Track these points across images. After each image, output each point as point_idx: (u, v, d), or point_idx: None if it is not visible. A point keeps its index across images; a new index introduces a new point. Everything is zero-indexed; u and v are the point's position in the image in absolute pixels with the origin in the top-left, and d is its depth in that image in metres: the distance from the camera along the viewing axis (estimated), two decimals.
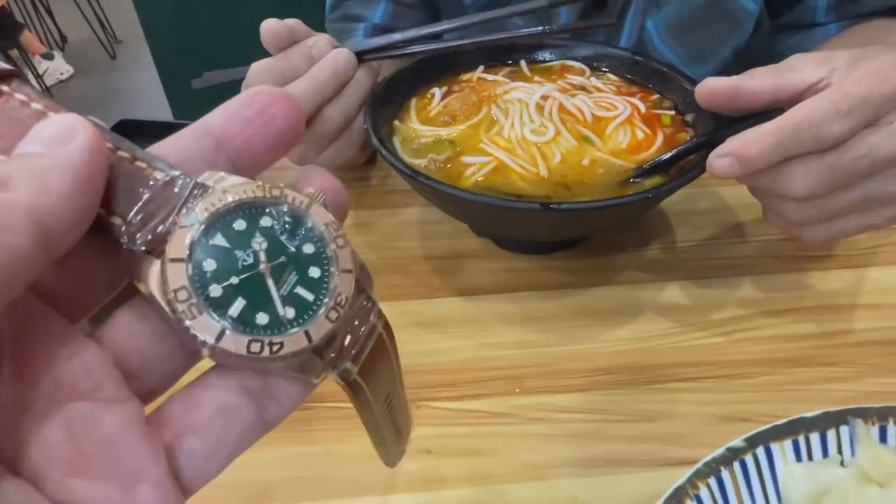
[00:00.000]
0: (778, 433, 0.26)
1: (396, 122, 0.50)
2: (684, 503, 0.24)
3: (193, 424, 0.16)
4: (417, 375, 0.41)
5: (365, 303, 0.18)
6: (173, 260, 0.15)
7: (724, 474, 0.25)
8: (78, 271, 0.16)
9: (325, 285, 0.17)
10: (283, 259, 0.16)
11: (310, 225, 0.17)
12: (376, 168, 0.59)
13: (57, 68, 2.74)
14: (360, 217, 0.54)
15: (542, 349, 0.43)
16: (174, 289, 0.15)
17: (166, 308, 0.15)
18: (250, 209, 0.16)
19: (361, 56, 0.50)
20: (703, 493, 0.24)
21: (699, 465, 0.25)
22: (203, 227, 0.16)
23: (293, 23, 0.50)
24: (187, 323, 0.15)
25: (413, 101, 0.52)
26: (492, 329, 0.44)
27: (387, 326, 0.18)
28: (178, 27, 1.09)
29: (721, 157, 0.36)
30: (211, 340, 0.15)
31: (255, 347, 0.16)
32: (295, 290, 0.16)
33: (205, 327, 0.15)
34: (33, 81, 2.48)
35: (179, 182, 0.16)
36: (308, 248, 0.17)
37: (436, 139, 0.48)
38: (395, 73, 0.52)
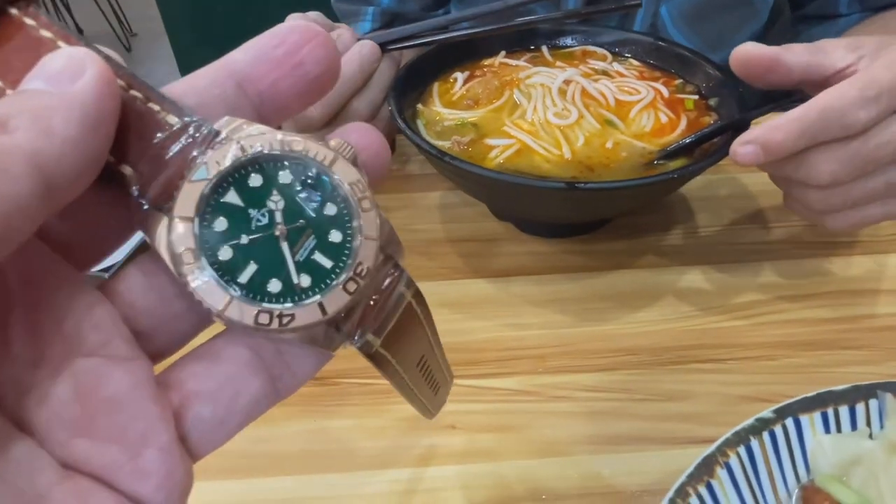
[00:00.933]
0: (807, 405, 0.26)
1: (420, 106, 0.50)
2: (714, 470, 0.24)
3: (202, 391, 0.15)
4: None
5: (392, 271, 0.16)
6: (180, 218, 0.14)
7: (754, 443, 0.25)
8: (88, 219, 0.15)
9: (345, 252, 0.15)
10: (301, 221, 0.15)
11: (333, 183, 0.15)
12: (396, 153, 0.60)
13: None
14: (380, 201, 0.54)
15: (565, 330, 0.43)
16: (180, 250, 0.14)
17: (172, 269, 0.14)
18: (268, 163, 0.15)
19: (384, 47, 0.50)
20: (733, 460, 0.24)
21: (728, 434, 0.25)
22: (214, 182, 0.14)
23: (315, 16, 0.51)
24: (192, 287, 0.14)
25: (436, 86, 0.52)
26: (515, 310, 0.44)
27: (417, 294, 0.17)
28: (197, 20, 1.09)
29: (745, 145, 0.36)
30: (217, 308, 0.14)
31: (264, 318, 0.14)
32: (312, 256, 0.15)
33: (211, 293, 0.14)
34: None
35: (195, 129, 0.14)
36: (330, 210, 0.15)
37: (459, 122, 0.48)
38: (417, 58, 0.52)
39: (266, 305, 0.14)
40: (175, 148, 0.14)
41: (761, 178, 0.55)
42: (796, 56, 0.37)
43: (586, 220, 0.48)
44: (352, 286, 0.15)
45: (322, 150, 0.15)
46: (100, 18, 2.95)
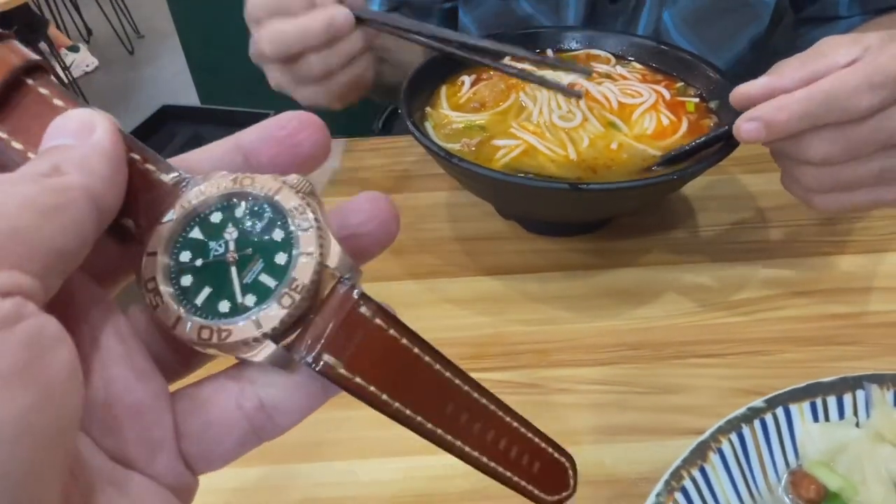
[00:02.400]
0: (797, 395, 0.28)
1: (428, 109, 0.52)
2: (708, 455, 0.25)
3: (189, 433, 0.17)
4: (445, 348, 0.42)
5: (343, 290, 0.17)
6: (149, 254, 0.16)
7: (745, 431, 0.27)
8: (111, 254, 0.17)
9: (287, 271, 0.16)
10: (249, 247, 0.17)
11: (278, 210, 0.17)
12: (405, 154, 0.61)
13: (83, 60, 2.80)
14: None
15: (568, 325, 0.44)
16: (146, 279, 0.16)
17: (144, 298, 0.16)
18: (223, 202, 0.17)
19: (364, 21, 0.51)
20: (725, 446, 0.26)
21: (721, 422, 0.26)
22: (179, 222, 0.17)
23: None
24: (154, 310, 0.16)
25: (443, 89, 0.54)
26: (518, 306, 0.46)
27: (379, 312, 0.17)
28: (207, 20, 1.11)
29: (749, 122, 0.37)
30: (167, 323, 0.16)
31: (206, 334, 0.16)
32: (258, 278, 0.16)
33: (165, 314, 0.16)
34: (60, 73, 2.53)
35: (185, 184, 0.17)
36: (277, 235, 0.17)
37: (467, 125, 0.50)
38: (426, 62, 0.54)
39: (207, 322, 0.16)
40: (167, 201, 0.17)
41: (761, 179, 0.56)
42: (789, 76, 0.38)
43: (589, 219, 0.50)
44: (286, 301, 0.16)
45: (269, 182, 0.17)
46: (111, 18, 2.98)
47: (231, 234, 0.17)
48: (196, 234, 0.17)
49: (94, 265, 0.17)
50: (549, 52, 0.57)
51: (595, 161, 0.45)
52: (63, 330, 0.14)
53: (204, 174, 0.17)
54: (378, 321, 0.17)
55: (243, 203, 0.17)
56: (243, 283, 0.16)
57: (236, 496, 0.35)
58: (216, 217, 0.17)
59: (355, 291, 0.17)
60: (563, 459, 0.19)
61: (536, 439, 0.19)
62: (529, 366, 0.42)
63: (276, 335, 0.16)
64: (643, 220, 0.52)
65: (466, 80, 0.54)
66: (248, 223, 0.17)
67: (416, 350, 0.17)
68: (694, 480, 0.25)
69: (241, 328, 0.16)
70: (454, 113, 0.51)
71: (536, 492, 0.19)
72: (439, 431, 0.18)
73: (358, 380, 0.16)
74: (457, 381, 0.18)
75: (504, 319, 0.45)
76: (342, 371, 0.16)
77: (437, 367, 0.17)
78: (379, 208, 0.18)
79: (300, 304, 0.16)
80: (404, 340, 0.17)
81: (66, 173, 0.15)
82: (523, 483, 0.18)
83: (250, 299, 0.16)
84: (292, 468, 0.37)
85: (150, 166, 0.17)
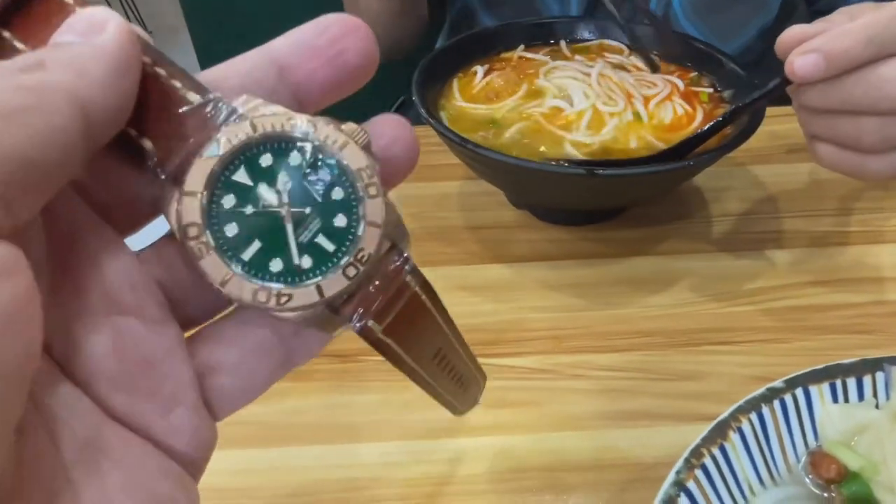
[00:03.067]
0: (816, 376, 0.27)
1: (442, 101, 0.52)
2: (728, 433, 0.25)
3: (224, 363, 0.16)
4: None
5: (396, 259, 0.16)
6: (189, 193, 0.14)
7: (765, 411, 0.27)
8: (126, 188, 0.16)
9: (349, 237, 0.15)
10: (307, 203, 0.15)
11: (341, 167, 0.15)
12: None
13: None
14: (401, 189, 0.56)
15: (582, 313, 0.44)
16: (186, 223, 0.14)
17: (181, 243, 0.15)
18: (280, 144, 0.15)
19: None
20: (745, 426, 0.26)
21: (741, 402, 0.26)
22: (224, 159, 0.15)
23: None
24: (196, 261, 0.15)
25: (455, 80, 0.54)
26: (532, 294, 0.46)
27: (425, 285, 0.17)
28: (218, 13, 1.11)
29: (805, 55, 0.33)
30: (217, 282, 0.15)
31: (262, 296, 0.15)
32: (315, 239, 0.15)
33: (212, 268, 0.15)
34: None
35: (213, 106, 0.15)
36: (336, 194, 0.15)
37: (484, 114, 0.50)
38: (438, 51, 0.54)
39: (265, 284, 0.15)
40: (194, 124, 0.15)
41: (773, 170, 0.56)
42: (839, 20, 0.34)
43: (604, 207, 0.49)
44: (351, 271, 0.15)
45: (334, 133, 0.15)
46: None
47: (284, 183, 0.15)
48: (242, 176, 0.15)
49: (104, 200, 0.15)
50: (563, 43, 0.57)
51: (611, 150, 0.45)
52: (19, 261, 0.12)
53: (239, 98, 0.15)
54: (420, 292, 0.17)
55: (301, 150, 0.15)
56: (299, 242, 0.15)
57: (244, 478, 0.35)
58: (266, 160, 0.15)
59: (408, 264, 0.16)
60: (479, 377, 0.21)
61: (470, 363, 0.20)
62: (544, 352, 0.42)
63: (335, 304, 0.15)
64: (655, 211, 0.52)
65: (479, 70, 0.54)
66: (307, 175, 0.15)
67: (439, 318, 0.18)
68: (714, 458, 0.25)
69: (303, 293, 0.15)
70: (468, 104, 0.51)
71: (456, 404, 0.21)
72: (422, 373, 0.18)
73: (389, 341, 0.17)
74: (451, 337, 0.19)
75: (518, 307, 0.45)
76: (380, 335, 0.16)
77: (447, 328, 0.18)
78: (401, 130, 0.17)
79: (363, 276, 0.15)
80: (434, 311, 0.18)
81: (48, 70, 0.13)
82: (448, 397, 0.20)
83: (307, 261, 0.15)
84: (301, 450, 0.37)
85: (176, 82, 0.15)
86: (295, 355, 0.17)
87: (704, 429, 0.36)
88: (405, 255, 0.16)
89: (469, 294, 0.46)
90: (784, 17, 0.67)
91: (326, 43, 0.16)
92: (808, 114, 0.39)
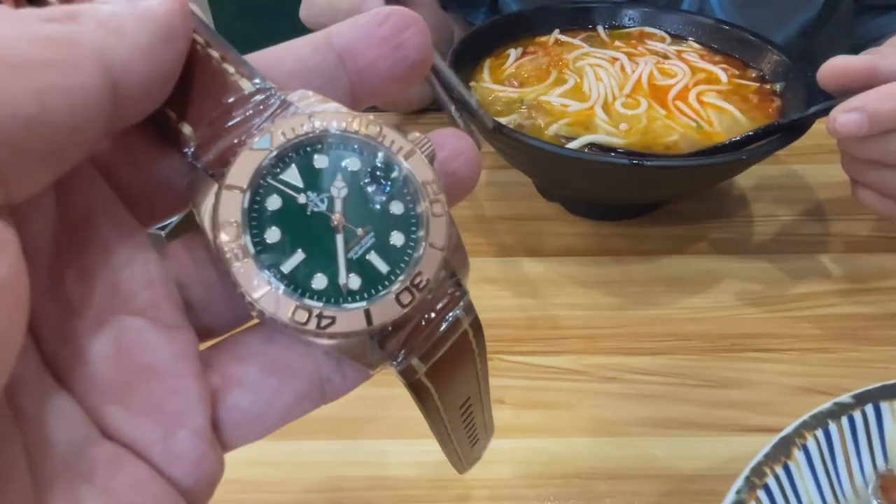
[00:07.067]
0: (888, 392, 0.25)
1: (473, 83, 0.50)
2: (792, 451, 0.23)
3: (245, 379, 0.14)
4: (488, 329, 0.40)
5: (452, 290, 0.14)
6: (230, 187, 0.13)
7: (832, 427, 0.24)
8: (155, 173, 0.14)
9: (405, 258, 0.13)
10: (363, 213, 0.13)
11: (405, 179, 0.14)
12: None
13: None
14: None
15: (615, 312, 0.42)
16: (223, 221, 0.12)
17: (211, 242, 0.13)
18: (337, 144, 0.13)
19: None
20: (811, 443, 0.24)
21: (805, 416, 0.24)
22: (275, 154, 0.13)
23: None
24: (228, 266, 0.13)
25: (487, 62, 0.52)
26: (563, 289, 0.44)
27: (475, 323, 0.15)
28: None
29: (848, 113, 0.34)
30: (250, 294, 0.13)
31: (302, 316, 0.13)
32: (367, 256, 0.13)
33: (246, 276, 0.12)
34: None
35: (266, 96, 0.13)
36: (396, 208, 0.13)
37: (515, 98, 0.47)
38: (471, 33, 0.51)
39: (306, 302, 0.13)
40: (241, 113, 0.13)
41: (818, 170, 0.53)
42: (894, 57, 0.34)
43: (643, 200, 0.47)
44: (406, 298, 0.13)
45: (400, 139, 0.14)
46: None
47: (339, 189, 0.13)
48: (293, 176, 0.13)
49: (129, 184, 0.14)
50: (601, 29, 0.54)
51: (652, 144, 0.43)
52: (8, 240, 0.10)
53: (295, 92, 0.14)
54: (469, 331, 0.15)
55: (362, 155, 0.13)
56: (348, 258, 0.13)
57: (257, 471, 0.33)
58: (321, 161, 0.13)
59: (464, 298, 0.14)
60: (488, 433, 0.20)
61: (487, 418, 0.19)
62: (575, 351, 0.40)
63: (382, 334, 0.13)
64: (688, 208, 0.49)
65: (513, 52, 0.52)
66: (365, 182, 0.13)
67: (478, 365, 0.16)
68: (777, 478, 0.22)
69: (348, 317, 0.13)
70: (500, 87, 0.49)
71: (463, 460, 0.19)
72: (447, 423, 0.17)
73: (429, 385, 0.15)
74: (481, 387, 0.17)
75: (547, 303, 0.43)
76: (421, 377, 0.14)
77: (480, 377, 0.17)
78: (463, 143, 0.15)
79: (418, 303, 0.13)
80: (477, 356, 0.16)
81: (78, 23, 0.11)
82: (459, 451, 0.19)
83: (355, 281, 0.13)
84: (321, 444, 0.35)
85: (228, 66, 0.13)
86: (328, 386, 0.15)
87: (748, 441, 0.34)
88: (462, 286, 0.14)
89: (497, 287, 0.44)
90: (826, 14, 0.64)
91: (389, 32, 0.14)
92: (850, 159, 0.39)
